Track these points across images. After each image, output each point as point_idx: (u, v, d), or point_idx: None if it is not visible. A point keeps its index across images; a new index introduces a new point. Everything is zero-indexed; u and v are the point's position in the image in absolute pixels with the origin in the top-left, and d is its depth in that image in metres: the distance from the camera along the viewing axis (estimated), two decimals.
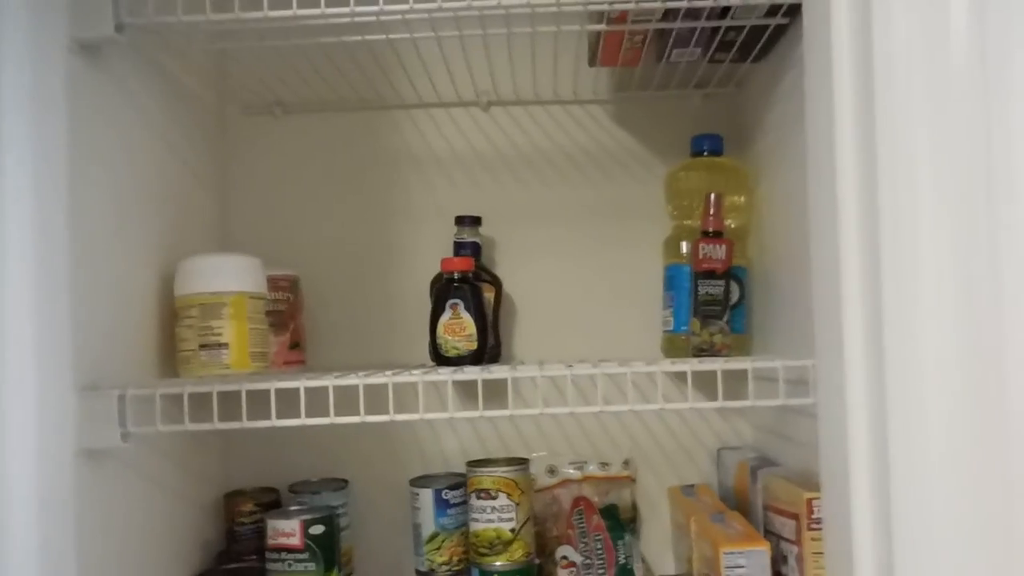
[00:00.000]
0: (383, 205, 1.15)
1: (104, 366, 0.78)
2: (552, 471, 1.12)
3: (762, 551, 0.83)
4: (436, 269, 1.04)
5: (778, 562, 0.85)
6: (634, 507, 1.11)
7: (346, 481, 1.08)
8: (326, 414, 0.77)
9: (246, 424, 0.76)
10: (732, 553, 0.84)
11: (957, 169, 0.59)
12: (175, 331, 0.89)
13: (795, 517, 0.81)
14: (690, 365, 0.78)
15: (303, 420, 0.76)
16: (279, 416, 0.77)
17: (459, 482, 1.04)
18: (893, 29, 0.60)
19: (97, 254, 0.79)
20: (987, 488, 0.57)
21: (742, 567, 0.83)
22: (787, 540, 0.84)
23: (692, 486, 1.10)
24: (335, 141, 1.15)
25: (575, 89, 1.11)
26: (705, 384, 0.81)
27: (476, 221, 1.08)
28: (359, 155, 1.15)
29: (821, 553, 0.77)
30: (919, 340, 0.58)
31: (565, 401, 0.78)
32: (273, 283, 0.98)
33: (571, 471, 1.11)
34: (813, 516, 0.78)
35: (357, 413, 0.77)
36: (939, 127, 0.59)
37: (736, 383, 0.81)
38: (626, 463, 1.12)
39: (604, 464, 1.12)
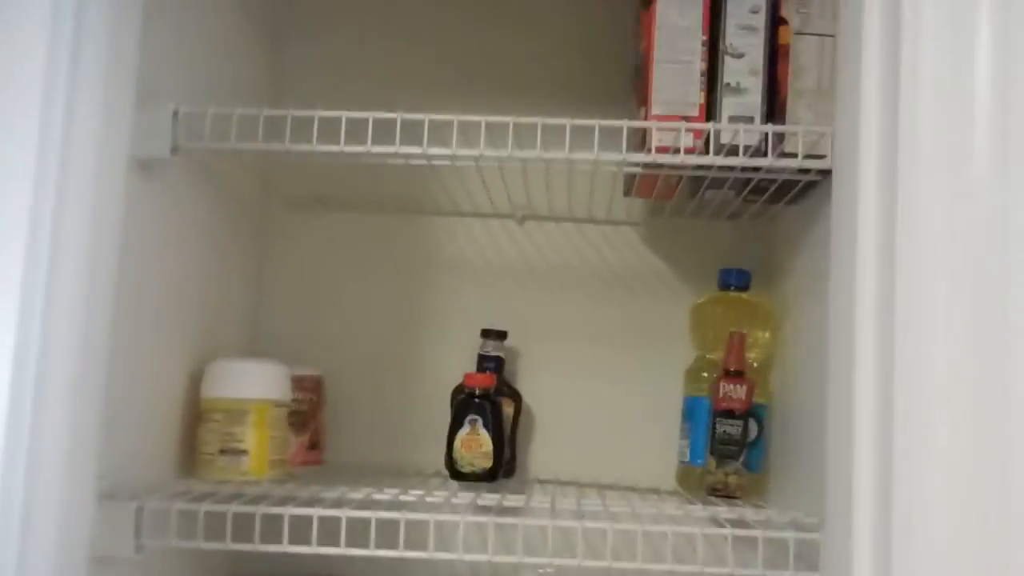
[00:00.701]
0: (412, 307, 1.17)
1: (124, 467, 0.79)
2: None
3: None
4: (459, 375, 1.06)
5: None
6: None
7: None
8: (337, 542, 0.77)
9: (259, 547, 0.76)
10: None
11: (974, 332, 0.61)
12: (198, 431, 0.90)
13: None
14: (700, 527, 0.77)
15: (315, 548, 0.77)
16: (291, 540, 0.77)
17: None
18: (917, 201, 0.63)
19: (132, 358, 0.81)
20: None
21: None
22: None
23: None
24: (372, 241, 1.18)
25: (609, 209, 1.13)
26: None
27: (502, 336, 1.09)
28: (393, 256, 1.18)
29: None
30: (929, 525, 0.59)
31: (575, 551, 0.78)
32: (297, 383, 1.00)
33: None
34: None
35: (367, 545, 0.77)
36: (957, 292, 0.61)
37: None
38: None
39: None
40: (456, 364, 1.09)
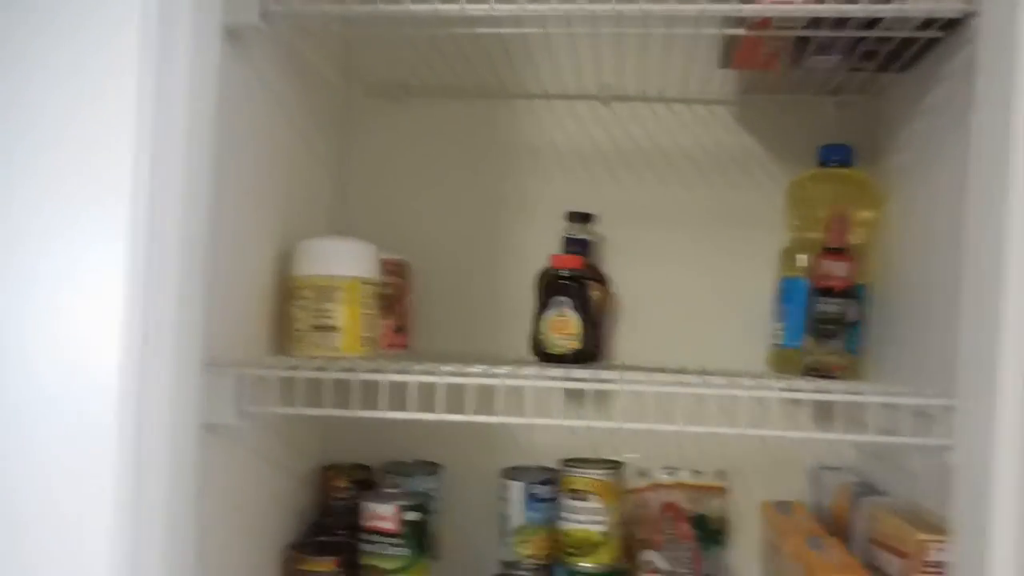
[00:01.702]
0: (496, 194, 1.14)
1: (223, 341, 0.80)
2: (643, 473, 1.11)
3: None
4: (544, 262, 1.04)
5: None
6: (724, 519, 1.10)
7: (438, 465, 1.09)
8: (433, 408, 0.77)
9: (357, 413, 0.77)
10: None
11: None
12: (289, 310, 0.91)
13: (905, 556, 0.78)
14: (807, 393, 0.75)
15: (412, 414, 0.76)
16: (388, 407, 0.77)
17: (550, 477, 1.04)
18: None
19: (228, 233, 0.81)
20: None
21: None
22: None
23: (786, 503, 1.07)
24: (454, 127, 1.15)
25: (701, 88, 1.08)
26: (816, 403, 0.78)
27: (588, 218, 1.07)
28: (477, 143, 1.15)
29: None
30: None
31: (671, 416, 0.76)
32: (384, 267, 0.99)
33: (662, 475, 1.10)
34: (927, 559, 0.75)
35: (464, 411, 0.77)
36: None
37: (849, 405, 0.77)
38: (719, 473, 1.10)
39: (697, 472, 1.10)
40: (541, 252, 1.06)
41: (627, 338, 1.13)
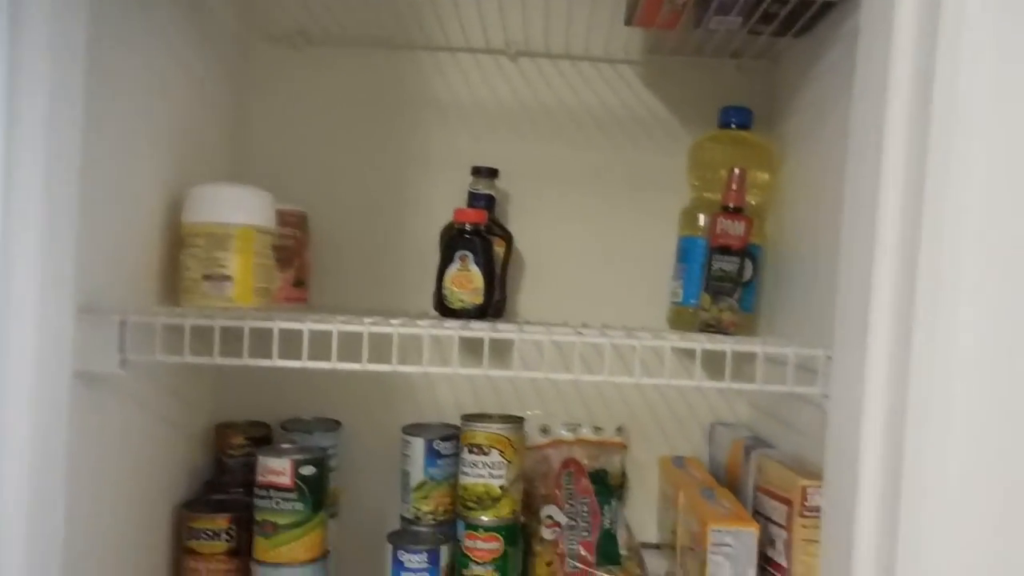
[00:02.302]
0: (400, 148, 1.12)
1: (105, 288, 0.77)
2: (545, 430, 1.12)
3: (751, 532, 0.83)
4: (448, 218, 1.03)
5: (765, 545, 0.85)
6: (623, 474, 1.12)
7: (338, 422, 1.07)
8: (328, 357, 0.75)
9: (247, 362, 0.74)
10: (720, 531, 0.84)
11: (1013, 169, 0.57)
12: (179, 258, 0.87)
13: (787, 503, 0.81)
14: (699, 343, 0.76)
15: (304, 363, 0.75)
16: (280, 356, 0.75)
17: (451, 433, 1.03)
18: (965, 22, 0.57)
19: (107, 174, 0.77)
20: (1007, 503, 0.56)
21: (729, 546, 0.84)
22: (777, 524, 0.84)
23: (682, 458, 1.10)
24: (356, 78, 1.12)
25: (606, 46, 1.08)
26: (710, 361, 0.80)
27: (493, 173, 1.06)
28: (379, 94, 1.12)
29: (811, 540, 0.78)
30: (951, 342, 0.56)
31: (569, 367, 0.77)
32: (281, 218, 0.96)
33: (564, 432, 1.11)
34: (807, 503, 0.78)
35: (359, 360, 0.76)
36: (1001, 125, 0.56)
37: (741, 362, 0.80)
38: (619, 430, 1.12)
39: (597, 428, 1.12)
40: (445, 207, 1.05)
41: (530, 295, 1.13)
